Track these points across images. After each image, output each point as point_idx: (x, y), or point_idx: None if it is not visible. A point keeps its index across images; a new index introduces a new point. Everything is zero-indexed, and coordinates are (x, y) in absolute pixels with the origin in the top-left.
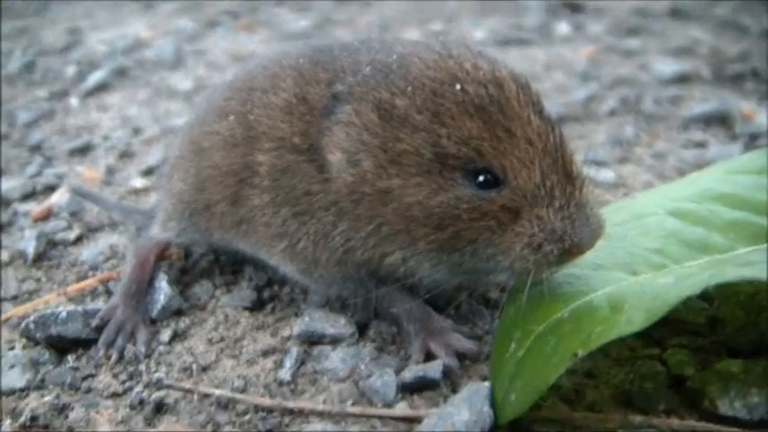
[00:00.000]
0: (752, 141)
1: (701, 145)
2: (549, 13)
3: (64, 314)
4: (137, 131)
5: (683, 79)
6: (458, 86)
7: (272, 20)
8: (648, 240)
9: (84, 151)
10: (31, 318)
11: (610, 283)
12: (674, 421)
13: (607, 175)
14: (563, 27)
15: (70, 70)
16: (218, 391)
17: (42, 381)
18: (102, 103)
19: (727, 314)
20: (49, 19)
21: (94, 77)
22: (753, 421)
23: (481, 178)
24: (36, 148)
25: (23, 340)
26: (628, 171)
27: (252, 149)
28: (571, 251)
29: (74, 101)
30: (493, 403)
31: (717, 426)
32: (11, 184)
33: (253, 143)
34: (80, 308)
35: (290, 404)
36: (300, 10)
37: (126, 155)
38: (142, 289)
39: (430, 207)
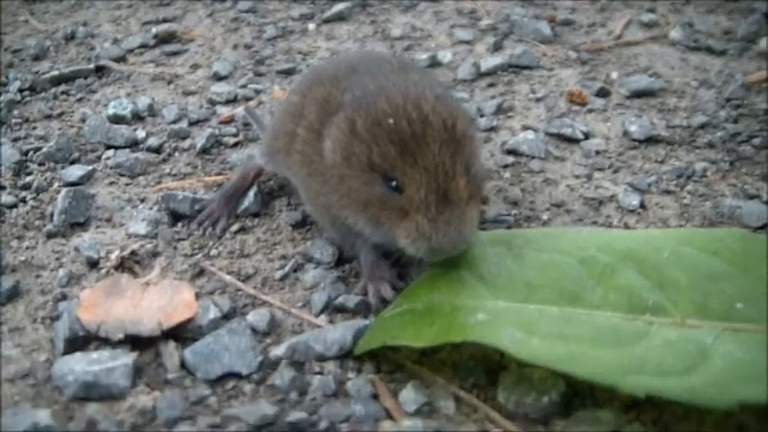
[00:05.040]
0: None
1: (750, 197)
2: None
3: (180, 197)
4: None
5: None
6: (391, 120)
7: None
8: (536, 275)
9: (287, 74)
10: (162, 194)
11: (473, 297)
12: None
13: (632, 201)
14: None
15: None
16: (227, 277)
17: (156, 234)
18: (331, 33)
19: None
20: None
21: (339, 6)
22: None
23: (392, 183)
24: (259, 63)
25: (157, 206)
26: (657, 202)
27: (299, 122)
28: (436, 249)
29: (311, 26)
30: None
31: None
32: (222, 89)
33: (300, 118)
34: (190, 194)
35: (263, 296)
36: None
37: None
38: (237, 194)
39: (361, 192)
